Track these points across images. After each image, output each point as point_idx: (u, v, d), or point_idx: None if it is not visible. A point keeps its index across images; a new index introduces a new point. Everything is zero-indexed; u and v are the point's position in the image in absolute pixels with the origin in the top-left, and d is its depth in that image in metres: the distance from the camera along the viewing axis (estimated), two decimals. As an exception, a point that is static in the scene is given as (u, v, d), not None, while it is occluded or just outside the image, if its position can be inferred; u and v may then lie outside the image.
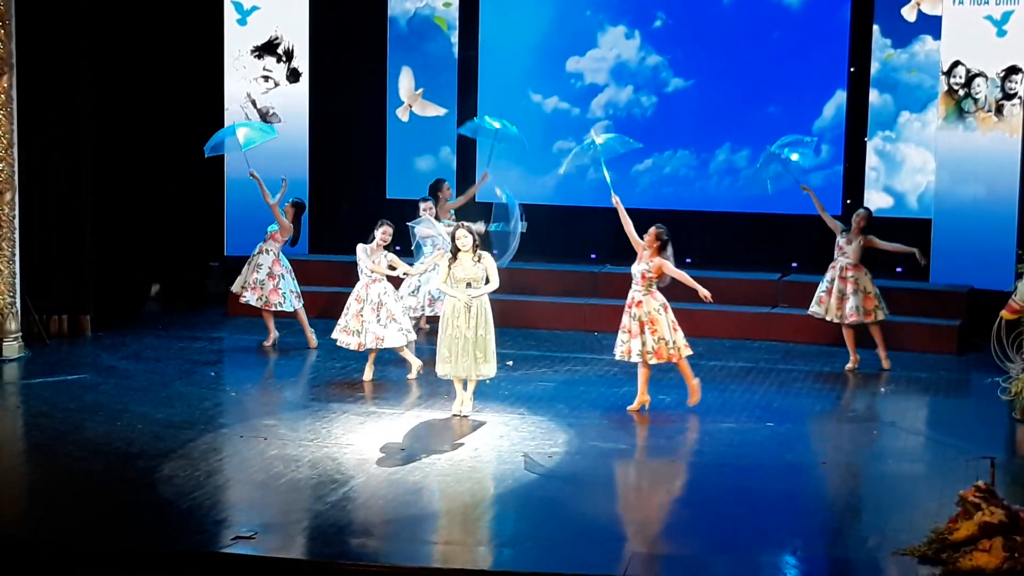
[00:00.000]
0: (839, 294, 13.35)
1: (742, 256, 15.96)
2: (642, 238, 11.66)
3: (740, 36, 16.28)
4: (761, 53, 16.22)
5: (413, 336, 12.94)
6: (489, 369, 11.51)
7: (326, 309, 14.71)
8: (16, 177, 13.36)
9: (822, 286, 13.47)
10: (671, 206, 16.15)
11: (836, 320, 13.41)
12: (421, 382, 12.61)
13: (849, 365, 13.43)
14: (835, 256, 13.43)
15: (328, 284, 15.75)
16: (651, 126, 16.43)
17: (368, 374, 12.68)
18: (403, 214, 13.99)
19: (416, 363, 12.74)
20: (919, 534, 8.44)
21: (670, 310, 11.73)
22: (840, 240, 13.41)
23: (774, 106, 16.23)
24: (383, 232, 12.58)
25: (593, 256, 15.52)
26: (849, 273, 13.34)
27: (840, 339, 14.27)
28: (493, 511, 9.41)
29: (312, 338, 14.12)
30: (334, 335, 12.74)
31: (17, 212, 13.40)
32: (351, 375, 12.93)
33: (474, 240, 11.41)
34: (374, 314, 12.52)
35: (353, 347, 12.59)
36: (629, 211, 11.82)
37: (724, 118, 16.38)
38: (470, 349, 11.38)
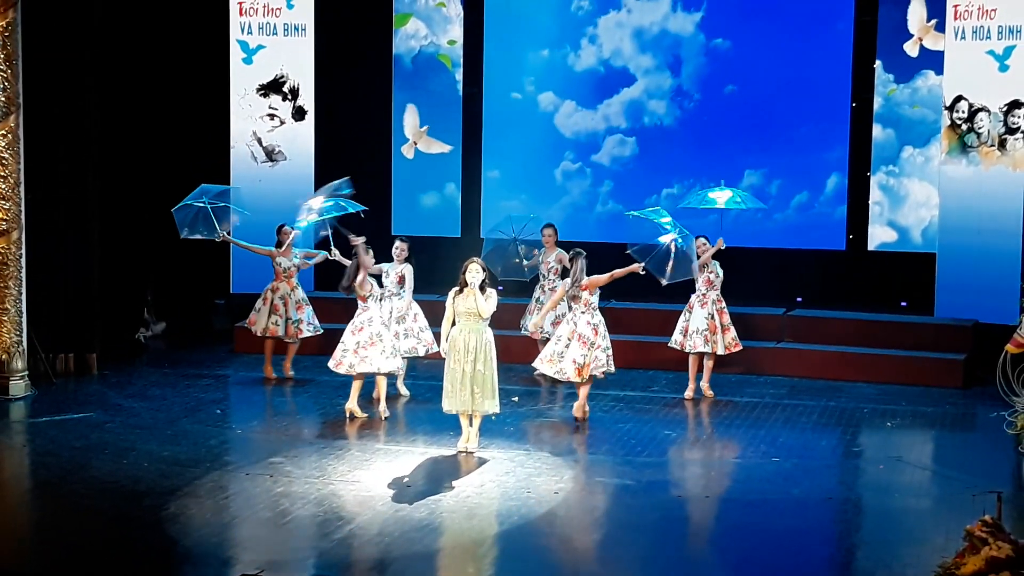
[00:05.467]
0: (721, 327, 13.63)
1: (747, 291, 15.96)
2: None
3: (738, 70, 16.36)
4: (761, 88, 16.29)
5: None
6: (492, 405, 11.51)
7: (334, 346, 14.68)
8: (23, 216, 13.41)
9: (703, 323, 13.55)
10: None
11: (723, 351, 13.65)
12: (427, 418, 12.61)
13: (687, 394, 13.62)
14: (706, 290, 13.57)
15: (335, 321, 15.77)
16: (640, 165, 16.56)
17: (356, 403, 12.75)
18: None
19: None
20: (926, 569, 8.42)
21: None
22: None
23: (774, 141, 16.31)
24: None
25: (598, 292, 15.52)
26: (722, 304, 13.68)
27: (846, 373, 14.36)
28: (498, 548, 9.40)
29: (270, 370, 14.33)
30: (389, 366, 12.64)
31: (24, 251, 13.45)
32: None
33: (484, 276, 11.43)
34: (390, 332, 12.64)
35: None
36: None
37: (721, 152, 16.43)
38: (468, 383, 11.39)
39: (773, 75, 16.24)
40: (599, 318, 12.61)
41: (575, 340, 12.50)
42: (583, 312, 12.55)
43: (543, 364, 12.69)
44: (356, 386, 12.63)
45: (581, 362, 12.44)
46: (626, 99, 16.65)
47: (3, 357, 13.30)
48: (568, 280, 12.64)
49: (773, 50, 16.23)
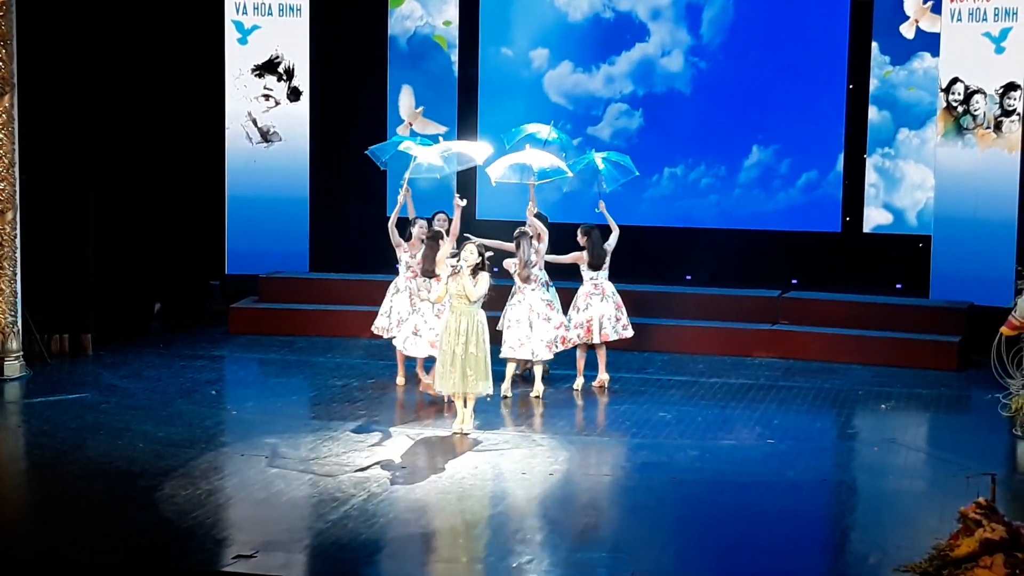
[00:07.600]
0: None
1: (742, 273, 15.98)
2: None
3: (735, 52, 16.32)
4: (758, 69, 16.26)
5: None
6: (485, 387, 11.53)
7: (330, 327, 14.74)
8: (17, 196, 13.38)
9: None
10: (672, 223, 16.22)
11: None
12: (421, 400, 12.62)
13: (576, 385, 13.28)
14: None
15: (330, 302, 15.81)
16: (645, 140, 16.49)
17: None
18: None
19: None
20: (920, 551, 8.44)
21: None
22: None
23: (768, 125, 16.30)
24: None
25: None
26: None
27: (840, 355, 14.38)
28: (492, 530, 9.41)
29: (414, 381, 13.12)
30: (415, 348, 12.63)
31: (18, 231, 13.43)
32: (351, 393, 12.95)
33: (481, 260, 11.44)
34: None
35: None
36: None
37: (714, 135, 16.39)
38: (459, 365, 11.41)
39: (771, 55, 16.20)
40: (551, 293, 12.98)
41: (537, 319, 12.77)
42: (534, 290, 12.82)
43: (514, 351, 12.77)
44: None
45: (548, 339, 12.78)
46: (635, 57, 16.58)
47: (-2, 338, 13.32)
48: (513, 260, 12.79)
49: (770, 31, 16.17)
